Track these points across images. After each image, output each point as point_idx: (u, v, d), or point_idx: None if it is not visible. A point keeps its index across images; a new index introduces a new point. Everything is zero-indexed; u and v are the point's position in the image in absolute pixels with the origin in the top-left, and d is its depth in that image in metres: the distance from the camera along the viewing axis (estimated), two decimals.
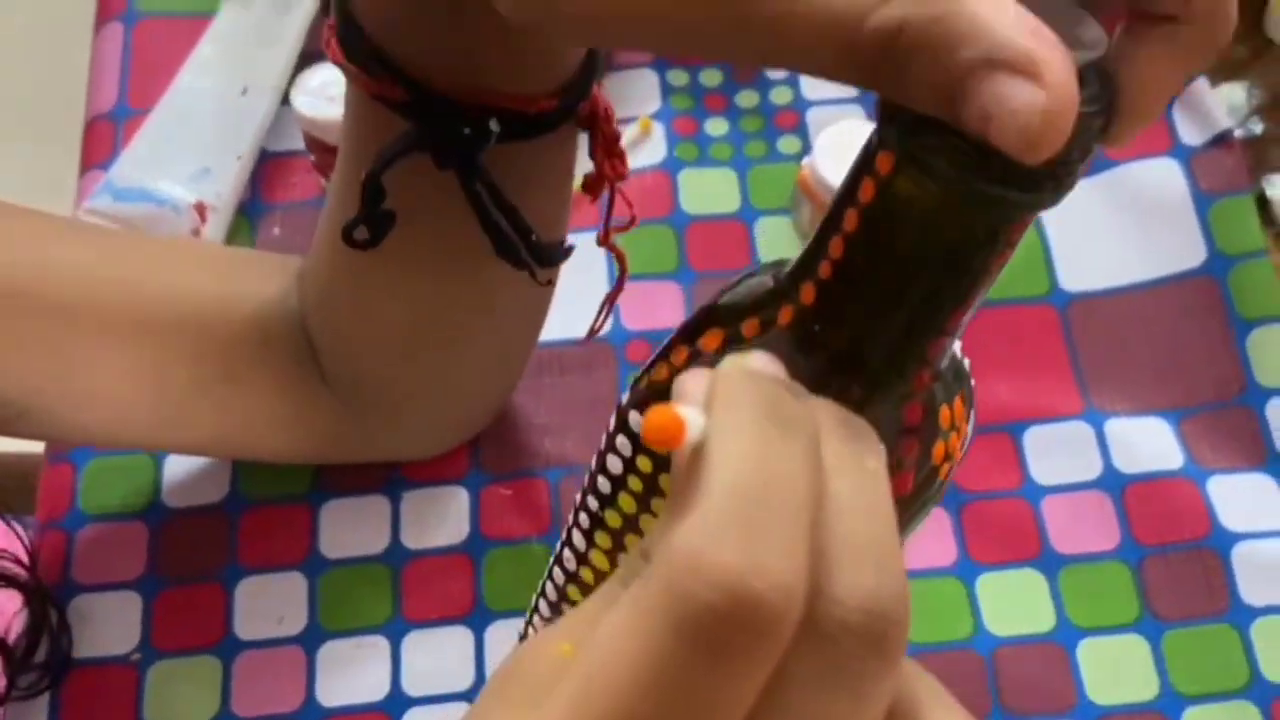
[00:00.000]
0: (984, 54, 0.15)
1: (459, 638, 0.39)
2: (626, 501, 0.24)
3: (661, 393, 0.22)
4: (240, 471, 0.42)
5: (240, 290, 0.35)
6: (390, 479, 0.42)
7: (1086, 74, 0.17)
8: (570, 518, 0.26)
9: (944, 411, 0.21)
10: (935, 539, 0.41)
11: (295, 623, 0.40)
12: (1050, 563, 0.40)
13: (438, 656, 0.39)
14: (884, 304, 0.19)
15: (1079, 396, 0.43)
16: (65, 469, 0.42)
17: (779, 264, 0.22)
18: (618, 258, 0.33)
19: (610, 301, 0.35)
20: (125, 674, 0.39)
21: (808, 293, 0.20)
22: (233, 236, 0.46)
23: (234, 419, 0.36)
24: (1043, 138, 0.15)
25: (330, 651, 0.39)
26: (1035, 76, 0.15)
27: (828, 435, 0.17)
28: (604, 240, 0.32)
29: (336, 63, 0.27)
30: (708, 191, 0.47)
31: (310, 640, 0.39)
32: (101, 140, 0.48)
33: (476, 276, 0.31)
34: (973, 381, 0.23)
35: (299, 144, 0.47)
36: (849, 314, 0.20)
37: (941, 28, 0.16)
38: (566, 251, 0.32)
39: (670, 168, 0.48)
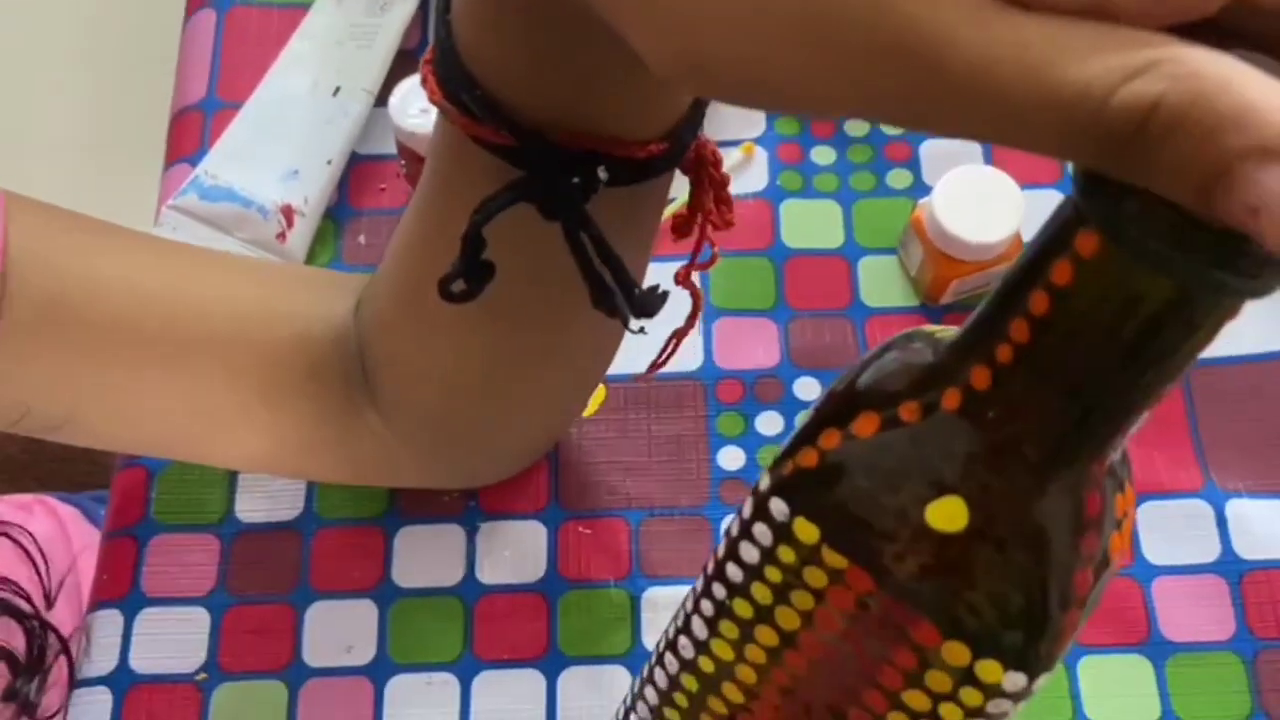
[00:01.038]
0: (1257, 141, 0.14)
1: (531, 681, 0.38)
2: (761, 591, 0.22)
3: (812, 480, 0.21)
4: (315, 490, 0.41)
5: (289, 311, 0.34)
6: (467, 509, 0.41)
7: None
8: (687, 603, 0.25)
9: (1118, 501, 0.20)
10: None
11: (364, 653, 0.38)
12: (1158, 649, 0.38)
13: (508, 699, 0.38)
14: (1074, 393, 0.18)
15: (1199, 471, 0.40)
16: (139, 474, 0.41)
17: (919, 337, 0.21)
18: (693, 295, 0.31)
19: (678, 338, 0.33)
20: (189, 693, 0.38)
21: (980, 376, 0.18)
22: (317, 242, 0.45)
23: (272, 441, 0.35)
24: None
25: (399, 686, 0.38)
26: None
27: None
28: (682, 279, 0.31)
29: (434, 102, 0.25)
30: (810, 224, 0.45)
31: (379, 672, 0.38)
32: (189, 132, 0.47)
33: (559, 323, 0.30)
34: (1127, 453, 0.21)
35: (390, 148, 0.46)
36: (1033, 401, 0.18)
37: (1207, 108, 0.14)
38: (662, 298, 0.30)
39: (772, 196, 0.45)
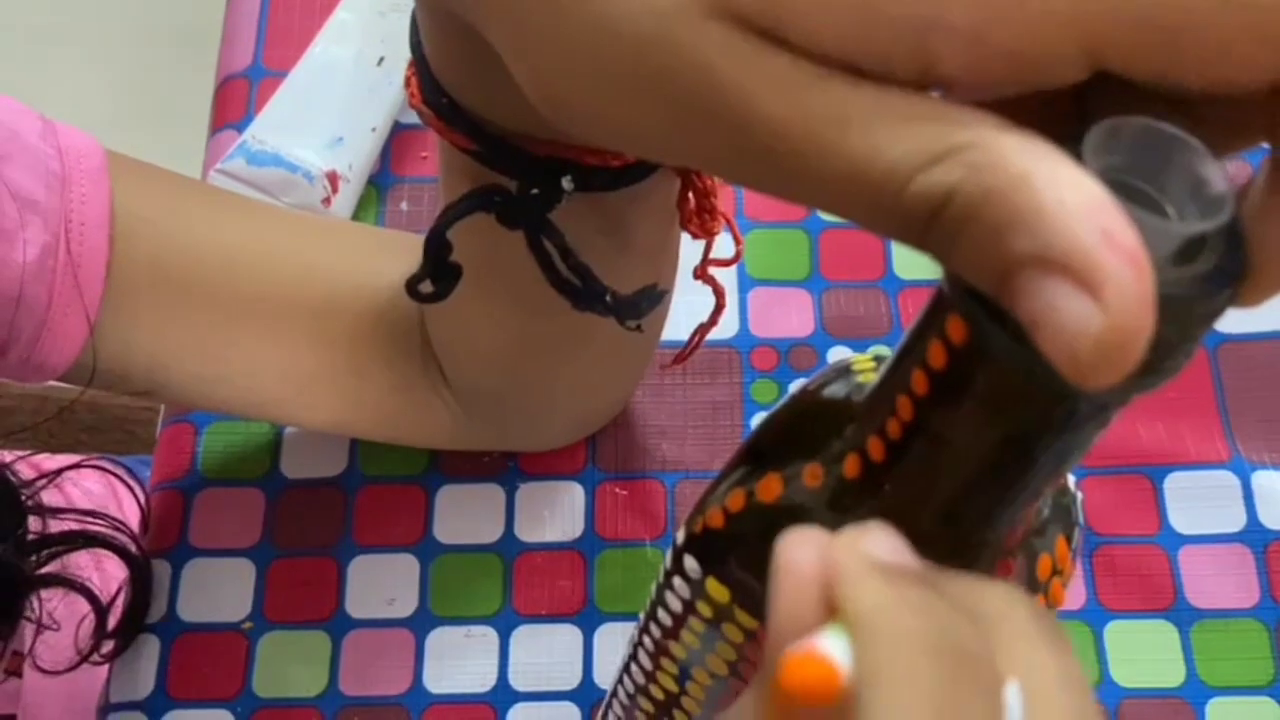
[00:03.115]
0: (1037, 249, 0.13)
1: (568, 635, 0.39)
2: (689, 638, 0.23)
3: (719, 541, 0.20)
4: (359, 447, 0.42)
5: (377, 279, 0.35)
6: (506, 469, 0.41)
7: (1208, 239, 0.14)
8: (634, 633, 0.26)
9: (1043, 561, 0.19)
10: None
11: (406, 605, 0.39)
12: (1184, 615, 0.39)
13: (546, 653, 0.39)
14: (961, 474, 0.17)
15: (1225, 443, 0.41)
16: (186, 429, 0.42)
17: (845, 377, 0.20)
18: (716, 292, 0.31)
19: (703, 332, 0.33)
20: (236, 641, 0.39)
21: (876, 448, 0.18)
22: (361, 208, 0.46)
23: (355, 408, 0.36)
24: (1096, 367, 0.12)
25: (439, 638, 0.39)
26: (1094, 290, 0.12)
27: (1015, 642, 0.14)
28: (701, 274, 0.31)
29: (413, 106, 0.26)
30: None
31: (420, 624, 0.39)
32: (235, 100, 0.48)
33: (568, 316, 0.30)
34: (1079, 498, 0.21)
35: None
36: (922, 479, 0.17)
37: (996, 206, 0.13)
38: (656, 298, 0.29)
39: None
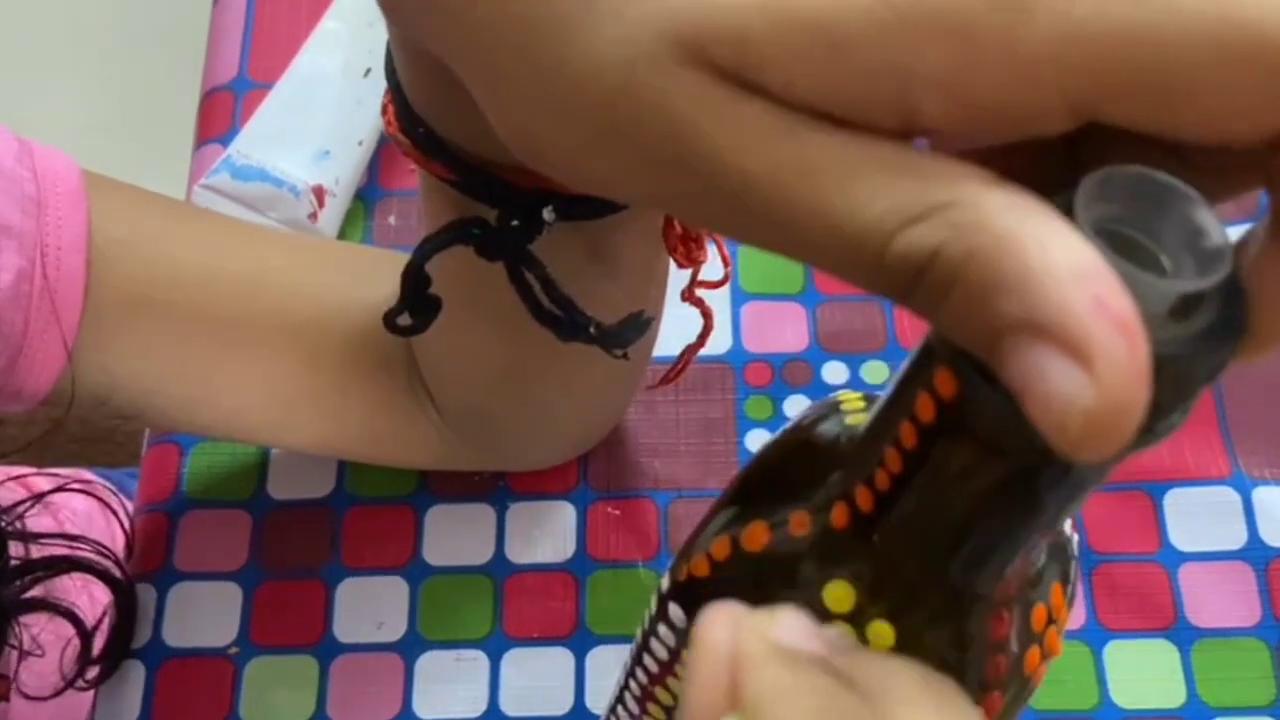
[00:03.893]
0: (1025, 314, 0.12)
1: (560, 658, 0.38)
2: (676, 685, 0.22)
3: (704, 590, 0.20)
4: (347, 468, 0.41)
5: (365, 298, 0.34)
6: (496, 489, 0.41)
7: (1206, 296, 0.13)
8: (621, 674, 0.25)
9: (1038, 611, 0.19)
10: None
11: (395, 629, 0.39)
12: (1184, 635, 0.38)
13: (538, 676, 0.38)
14: (951, 528, 0.16)
15: (1226, 459, 0.40)
16: (171, 450, 0.42)
17: (834, 416, 0.19)
18: (704, 314, 0.31)
19: (690, 353, 0.33)
20: (223, 666, 0.38)
21: (864, 498, 0.17)
22: (349, 223, 0.45)
23: (340, 429, 0.36)
24: (1086, 440, 0.12)
25: (429, 662, 0.38)
26: (1084, 362, 0.12)
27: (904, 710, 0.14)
28: (688, 296, 0.30)
29: (390, 135, 0.25)
30: None
31: (409, 648, 0.39)
32: (220, 113, 0.48)
33: (554, 343, 0.29)
34: (1075, 541, 0.20)
35: None
36: (912, 531, 0.17)
37: (981, 268, 0.12)
38: (643, 326, 0.29)
39: None
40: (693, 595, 0.20)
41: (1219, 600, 0.38)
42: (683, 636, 0.21)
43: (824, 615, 0.18)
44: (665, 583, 0.21)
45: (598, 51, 0.15)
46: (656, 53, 0.14)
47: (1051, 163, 0.15)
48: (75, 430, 0.76)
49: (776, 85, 0.14)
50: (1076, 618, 0.38)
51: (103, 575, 0.37)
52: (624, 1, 0.15)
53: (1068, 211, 0.13)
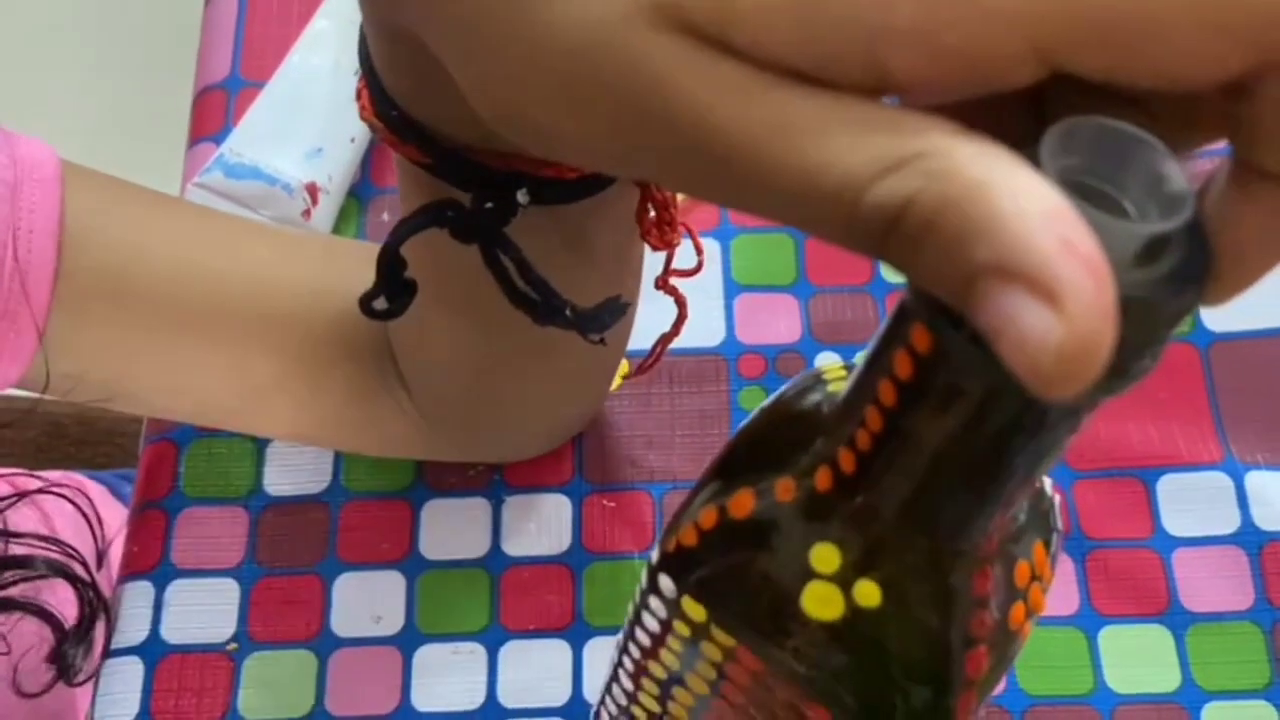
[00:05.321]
0: (995, 258, 0.12)
1: (557, 651, 0.39)
2: (668, 658, 0.22)
3: (694, 559, 0.20)
4: (343, 463, 0.41)
5: (333, 288, 0.34)
6: (492, 483, 0.41)
7: (1170, 239, 0.14)
8: (614, 653, 0.25)
9: (1020, 568, 0.19)
10: (1057, 585, 0.39)
11: (393, 623, 0.39)
12: (1178, 619, 0.38)
13: (535, 669, 0.38)
14: (932, 484, 0.17)
15: (1218, 445, 0.41)
16: (168, 447, 0.42)
17: (818, 384, 0.20)
18: (678, 302, 0.31)
19: (663, 344, 0.33)
20: (221, 662, 0.39)
21: (846, 460, 0.18)
22: (342, 219, 0.45)
23: (309, 415, 0.36)
24: (1059, 378, 0.12)
25: (427, 655, 0.39)
26: (1053, 301, 0.12)
27: None
28: (662, 284, 0.30)
29: (364, 119, 0.25)
30: None
31: (407, 642, 0.39)
32: (213, 112, 0.48)
33: (530, 329, 0.29)
34: (1058, 502, 0.20)
35: None
36: (894, 490, 0.17)
37: (953, 214, 0.13)
38: (619, 310, 0.29)
39: None
40: (682, 565, 0.20)
41: (1213, 585, 0.39)
42: (673, 607, 0.21)
43: (811, 577, 0.18)
44: (655, 555, 0.21)
45: (577, 15, 0.15)
46: (634, 16, 0.15)
47: (1019, 119, 0.15)
48: (74, 433, 0.76)
49: (751, 45, 0.14)
50: (1070, 603, 0.39)
51: (69, 578, 0.37)
52: None
53: (1034, 164, 0.13)
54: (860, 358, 0.17)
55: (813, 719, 0.20)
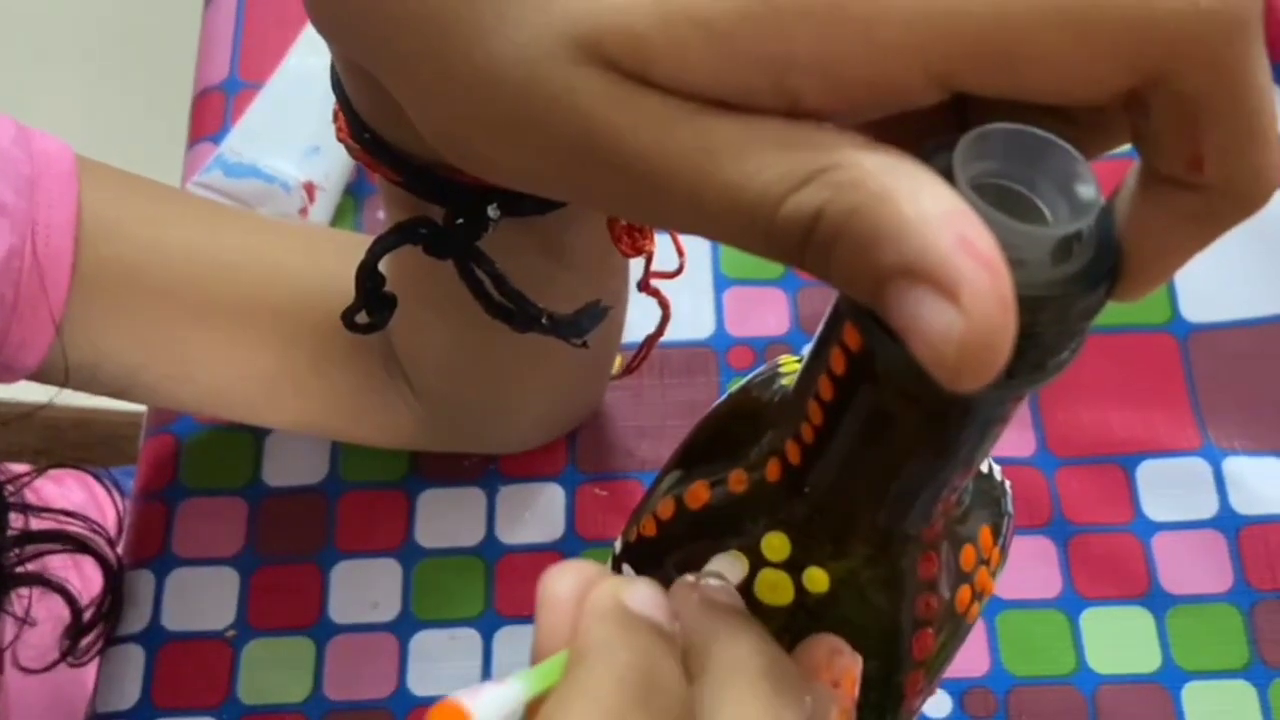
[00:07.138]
0: (901, 260, 0.13)
1: None
2: None
3: (653, 548, 0.21)
4: (340, 454, 0.42)
5: (343, 282, 0.35)
6: (486, 472, 0.42)
7: (1081, 238, 0.15)
8: None
9: (966, 551, 0.20)
10: (1040, 569, 0.40)
11: (389, 610, 0.40)
12: (1159, 602, 0.39)
13: (529, 654, 0.39)
14: (873, 472, 0.18)
15: (1196, 431, 0.41)
16: (167, 440, 0.43)
17: (775, 377, 0.20)
18: (661, 304, 0.32)
19: (650, 344, 0.34)
20: (221, 649, 0.39)
21: (793, 452, 0.18)
22: (339, 218, 0.46)
23: (317, 406, 0.37)
24: (964, 370, 0.13)
25: (423, 641, 0.39)
26: (952, 296, 0.13)
27: (731, 693, 0.16)
28: (644, 286, 0.31)
29: (340, 140, 0.26)
30: None
31: (403, 628, 0.39)
32: (212, 112, 0.49)
33: (514, 334, 0.30)
34: (1008, 485, 0.21)
35: None
36: (838, 478, 0.18)
37: (860, 222, 0.14)
38: (599, 315, 0.29)
39: None
40: (642, 554, 0.21)
41: (1192, 568, 0.39)
42: None
43: (763, 564, 0.19)
44: (618, 545, 0.22)
45: (510, 53, 0.16)
46: (559, 53, 0.16)
47: (943, 127, 0.16)
48: (72, 435, 0.77)
49: (669, 80, 0.15)
50: (1052, 586, 0.39)
51: (95, 553, 0.38)
52: (530, 8, 0.16)
53: (949, 169, 0.14)
54: (805, 352, 0.18)
55: None
